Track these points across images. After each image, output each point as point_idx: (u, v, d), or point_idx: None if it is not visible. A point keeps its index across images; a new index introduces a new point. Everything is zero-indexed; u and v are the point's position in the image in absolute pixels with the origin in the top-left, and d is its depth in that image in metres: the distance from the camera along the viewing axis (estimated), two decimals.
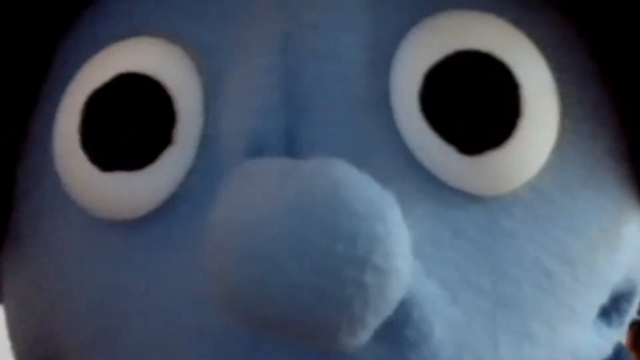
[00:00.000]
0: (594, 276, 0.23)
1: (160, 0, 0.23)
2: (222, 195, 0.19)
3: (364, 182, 0.18)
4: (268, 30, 0.21)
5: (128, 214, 0.22)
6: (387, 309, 0.18)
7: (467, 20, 0.22)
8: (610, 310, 0.25)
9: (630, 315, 0.27)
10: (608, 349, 0.26)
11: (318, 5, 0.21)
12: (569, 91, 0.22)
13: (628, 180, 0.24)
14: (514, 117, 0.20)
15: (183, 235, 0.21)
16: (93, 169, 0.21)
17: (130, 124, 0.21)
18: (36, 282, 0.24)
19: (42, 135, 0.24)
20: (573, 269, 0.22)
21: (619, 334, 0.26)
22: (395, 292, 0.18)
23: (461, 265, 0.20)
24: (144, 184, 0.21)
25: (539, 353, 0.22)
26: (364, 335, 0.18)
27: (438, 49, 0.21)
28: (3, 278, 0.26)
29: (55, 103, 0.23)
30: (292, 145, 0.20)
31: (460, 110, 0.20)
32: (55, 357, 0.24)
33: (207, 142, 0.21)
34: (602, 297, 0.24)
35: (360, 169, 0.18)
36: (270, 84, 0.21)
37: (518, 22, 0.22)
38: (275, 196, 0.17)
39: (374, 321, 0.18)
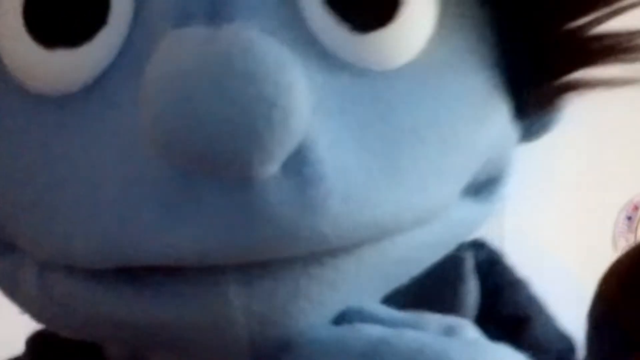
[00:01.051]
0: (461, 142, 0.29)
1: None
2: (153, 58, 0.23)
3: (273, 43, 0.23)
4: None
5: (65, 88, 0.26)
6: (290, 143, 0.22)
7: None
8: (481, 188, 0.33)
9: (497, 197, 0.36)
10: (475, 225, 0.34)
11: None
12: (446, 24, 0.28)
13: (499, 70, 0.31)
14: (397, 3, 0.26)
15: (117, 101, 0.25)
16: (35, 47, 0.25)
17: (69, 4, 0.25)
18: None
19: None
20: (442, 134, 0.28)
21: (486, 214, 0.35)
22: (297, 128, 0.22)
23: (350, 123, 0.26)
24: (81, 60, 0.25)
25: (415, 206, 0.27)
26: (272, 166, 0.23)
27: None
28: None
29: None
30: (214, 18, 0.24)
31: None
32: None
33: (138, 19, 0.25)
34: (469, 167, 0.31)
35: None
36: None
37: None
38: (199, 54, 0.22)
39: (279, 153, 0.22)
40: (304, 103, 0.23)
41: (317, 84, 0.25)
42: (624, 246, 2.17)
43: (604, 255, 2.35)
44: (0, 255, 0.29)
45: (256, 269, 0.24)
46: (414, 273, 0.32)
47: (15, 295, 0.30)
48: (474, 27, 0.30)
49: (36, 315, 0.30)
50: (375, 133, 0.26)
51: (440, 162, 0.28)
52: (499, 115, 0.32)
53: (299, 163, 0.24)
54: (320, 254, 0.25)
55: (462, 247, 0.40)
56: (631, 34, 0.32)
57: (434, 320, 0.29)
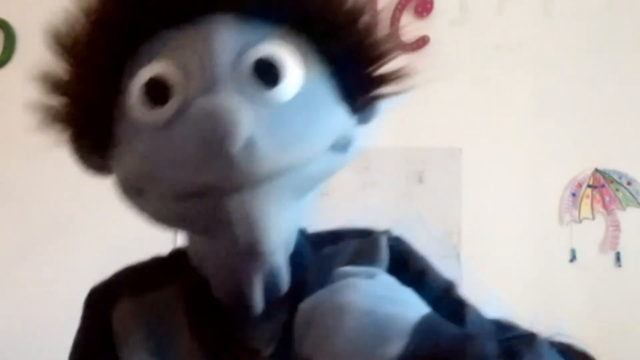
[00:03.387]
0: (323, 127, 0.62)
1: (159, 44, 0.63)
2: (191, 110, 0.57)
3: (235, 102, 0.55)
4: None
5: (158, 122, 0.60)
6: (243, 136, 0.53)
7: (267, 46, 0.62)
8: (341, 148, 0.65)
9: (350, 153, 0.68)
10: (339, 165, 0.67)
11: None
12: (307, 65, 0.62)
13: (339, 91, 0.65)
14: (281, 76, 0.60)
15: (179, 130, 0.58)
16: (146, 108, 0.61)
17: (156, 89, 0.61)
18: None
19: (123, 101, 0.62)
20: (314, 124, 0.61)
21: (344, 160, 0.67)
22: (244, 130, 0.53)
23: (268, 123, 0.57)
24: (164, 111, 0.61)
25: (299, 156, 0.59)
26: (237, 144, 0.54)
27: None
28: (113, 164, 0.65)
29: (127, 86, 0.62)
30: (208, 92, 0.59)
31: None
32: (138, 188, 0.63)
33: (185, 97, 0.60)
34: (329, 138, 0.62)
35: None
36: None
37: (291, 46, 0.63)
38: (205, 111, 0.55)
39: (239, 138, 0.53)
40: (243, 121, 0.53)
41: (256, 112, 0.56)
42: (568, 221, 2.28)
43: (551, 229, 2.47)
44: (133, 195, 0.64)
45: (238, 193, 0.56)
46: (313, 189, 0.65)
47: (146, 214, 0.64)
48: (322, 72, 0.64)
49: (158, 221, 0.64)
50: (283, 128, 0.58)
51: (313, 137, 0.60)
52: (342, 112, 0.65)
53: (250, 145, 0.54)
54: (264, 180, 0.56)
55: (379, 232, 0.78)
56: (399, 71, 0.68)
57: (363, 269, 0.62)
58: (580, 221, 2.27)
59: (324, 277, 0.63)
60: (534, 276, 2.24)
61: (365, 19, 0.65)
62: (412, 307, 0.58)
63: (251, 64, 0.59)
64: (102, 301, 0.73)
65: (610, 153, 2.26)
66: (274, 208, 0.58)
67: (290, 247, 0.68)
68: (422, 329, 0.54)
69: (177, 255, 0.73)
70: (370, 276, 0.60)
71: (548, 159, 2.26)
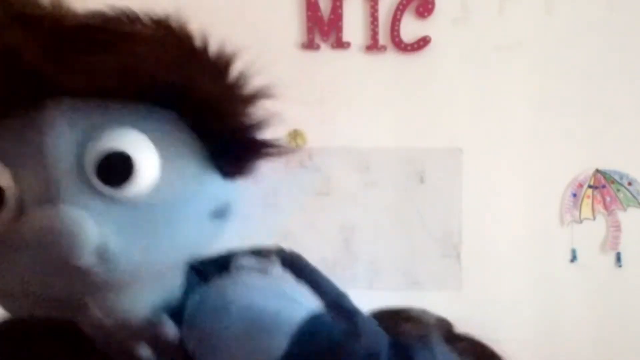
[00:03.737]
0: (193, 200, 0.56)
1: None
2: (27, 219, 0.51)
3: (77, 212, 0.49)
4: None
5: None
6: (87, 242, 0.49)
7: (115, 136, 0.52)
8: (219, 215, 0.59)
9: (228, 219, 0.61)
10: (217, 235, 0.60)
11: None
12: (168, 147, 0.55)
13: (210, 161, 0.59)
14: (131, 174, 0.52)
15: (16, 245, 0.50)
16: None
17: None
18: None
19: None
20: (180, 209, 0.56)
21: (223, 227, 0.60)
22: (88, 244, 0.49)
23: (122, 228, 0.52)
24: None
25: (158, 261, 0.55)
26: (85, 258, 0.49)
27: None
28: None
29: None
30: (52, 201, 0.51)
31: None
32: None
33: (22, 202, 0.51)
34: (207, 207, 0.57)
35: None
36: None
37: (144, 131, 0.53)
38: (44, 223, 0.49)
39: (85, 253, 0.49)
40: (89, 232, 0.49)
41: (107, 214, 0.51)
42: (569, 221, 2.28)
43: (551, 229, 2.47)
44: None
45: (99, 297, 0.53)
46: (196, 259, 0.61)
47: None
48: (185, 145, 0.57)
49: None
50: (142, 225, 0.53)
51: (176, 231, 0.56)
52: (216, 181, 0.60)
53: (102, 251, 0.50)
54: (123, 286, 0.53)
55: (269, 250, 0.68)
56: (268, 142, 0.61)
57: (258, 263, 0.60)
58: (581, 221, 2.27)
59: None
60: (534, 276, 2.24)
61: (228, 81, 0.59)
62: (299, 304, 0.57)
63: (95, 162, 0.51)
64: None
65: (611, 153, 2.26)
66: (148, 299, 0.55)
67: (175, 302, 0.61)
68: (309, 326, 0.54)
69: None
70: (264, 270, 0.60)
71: (549, 159, 2.26)
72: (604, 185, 2.26)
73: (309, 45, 2.22)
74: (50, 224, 0.48)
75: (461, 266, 2.21)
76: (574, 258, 2.26)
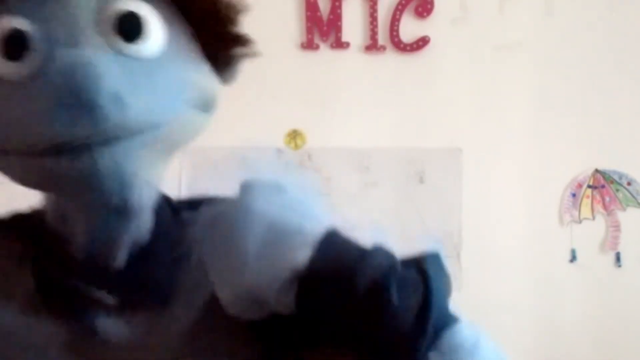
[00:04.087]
0: (185, 81, 0.62)
1: None
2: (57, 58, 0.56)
3: (96, 56, 0.55)
4: None
5: (18, 76, 0.57)
6: (107, 82, 0.54)
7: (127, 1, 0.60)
8: (203, 107, 0.64)
9: (211, 113, 0.66)
10: (200, 124, 0.65)
11: None
12: (167, 22, 0.62)
13: (199, 51, 0.65)
14: (143, 31, 0.59)
15: (42, 84, 0.55)
16: (3, 61, 0.57)
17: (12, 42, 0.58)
18: None
19: None
20: (177, 77, 0.61)
21: (206, 120, 0.65)
22: (107, 85, 0.53)
23: (135, 77, 0.57)
24: (24, 65, 0.57)
25: (157, 114, 0.59)
26: (102, 96, 0.53)
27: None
28: None
29: None
30: (76, 45, 0.57)
31: None
32: None
33: (45, 47, 0.57)
34: (192, 95, 0.62)
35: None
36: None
37: (151, 4, 0.61)
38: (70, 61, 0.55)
39: (105, 99, 0.54)
40: (108, 74, 0.54)
41: (120, 66, 0.56)
42: (568, 221, 2.28)
43: (551, 229, 2.48)
44: None
45: (107, 145, 0.56)
46: (178, 147, 0.64)
47: (10, 176, 0.63)
48: (183, 32, 0.63)
49: (24, 182, 0.62)
50: (148, 82, 0.58)
51: (179, 94, 0.61)
52: (205, 70, 0.65)
53: (116, 97, 0.54)
54: (132, 135, 0.57)
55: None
56: (244, 35, 0.67)
57: (273, 181, 0.62)
58: (580, 221, 2.27)
59: (179, 240, 0.64)
60: (534, 276, 2.24)
61: None
62: (318, 220, 0.59)
63: (113, 18, 0.58)
64: None
65: (611, 153, 2.26)
66: (144, 164, 0.59)
67: (152, 204, 0.66)
68: (328, 240, 0.56)
69: (36, 212, 0.69)
70: (280, 188, 0.61)
71: (548, 159, 2.26)
72: (603, 185, 2.26)
73: (308, 45, 2.22)
74: (77, 61, 0.54)
75: (461, 266, 2.21)
76: (573, 258, 2.26)
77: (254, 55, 0.68)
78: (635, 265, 2.25)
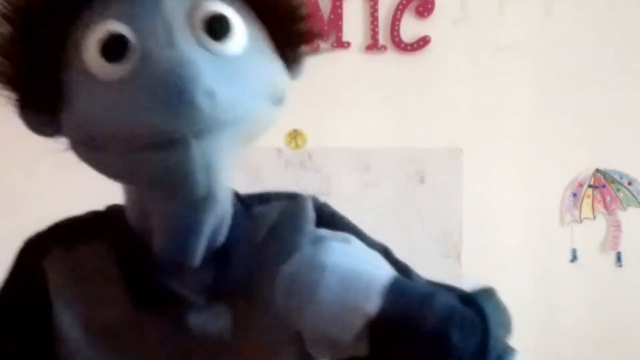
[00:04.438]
0: (265, 78, 0.67)
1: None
2: (153, 59, 0.60)
3: (191, 55, 0.59)
4: None
5: (113, 78, 0.61)
6: (204, 79, 0.57)
7: (213, 4, 0.65)
8: (276, 101, 0.69)
9: (282, 106, 0.71)
10: (273, 116, 0.69)
11: None
12: (246, 23, 0.67)
13: (274, 48, 0.71)
14: (230, 32, 0.64)
15: (141, 83, 0.59)
16: (105, 64, 0.61)
17: (117, 46, 0.62)
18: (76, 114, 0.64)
19: (74, 55, 0.63)
20: (259, 75, 0.66)
21: (278, 112, 0.70)
22: (203, 82, 0.57)
23: (226, 75, 0.61)
24: (123, 66, 0.61)
25: (246, 107, 0.64)
26: (199, 94, 0.57)
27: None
28: (64, 119, 0.65)
29: (79, 41, 0.63)
30: (172, 46, 0.61)
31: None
32: (93, 144, 0.64)
33: (144, 49, 0.61)
34: (269, 89, 0.67)
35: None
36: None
37: (227, 2, 0.66)
38: (169, 60, 0.59)
39: (200, 87, 0.57)
40: (204, 71, 0.57)
41: (212, 63, 0.60)
42: (569, 221, 2.28)
43: (551, 229, 2.47)
44: (88, 151, 0.65)
45: (201, 137, 0.59)
46: (254, 139, 0.68)
47: (104, 171, 0.66)
48: (259, 32, 0.68)
49: (117, 177, 0.67)
50: (236, 79, 0.62)
51: (261, 89, 0.66)
52: (279, 67, 0.70)
53: (210, 93, 0.58)
54: (222, 128, 0.61)
55: (305, 195, 0.81)
56: (312, 31, 0.73)
57: (338, 233, 0.67)
58: (581, 221, 2.27)
59: (254, 235, 0.74)
60: (534, 276, 2.24)
61: None
62: (383, 269, 0.64)
63: (203, 19, 0.63)
64: (33, 252, 0.75)
65: (611, 153, 2.26)
66: (227, 155, 0.63)
67: (228, 206, 0.72)
68: (394, 288, 0.61)
69: (114, 210, 0.75)
70: (345, 240, 0.66)
71: (549, 159, 2.26)
72: (604, 185, 2.26)
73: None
74: (176, 59, 0.58)
75: (461, 266, 2.21)
76: (574, 258, 2.26)
77: (320, 52, 0.74)
78: (635, 265, 2.25)
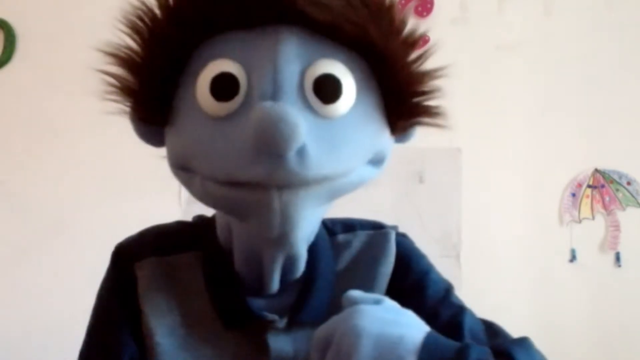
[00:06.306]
0: (367, 144, 0.69)
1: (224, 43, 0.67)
2: (256, 109, 0.60)
3: (294, 110, 0.59)
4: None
5: (221, 115, 0.64)
6: (298, 143, 0.59)
7: (328, 64, 0.66)
8: (376, 162, 0.70)
9: (382, 167, 0.72)
10: (371, 177, 0.71)
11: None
12: (359, 86, 0.67)
13: (384, 115, 0.70)
14: (339, 94, 0.65)
15: (240, 126, 0.62)
16: (212, 100, 0.65)
17: (226, 87, 0.65)
18: (179, 139, 0.68)
19: (188, 81, 0.67)
20: (359, 140, 0.67)
21: (377, 173, 0.71)
22: (300, 138, 0.59)
23: (324, 136, 0.64)
24: (228, 105, 0.64)
25: (342, 168, 0.65)
26: (293, 151, 0.60)
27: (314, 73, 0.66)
28: (168, 138, 0.71)
29: (195, 71, 0.67)
30: (275, 99, 0.62)
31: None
32: (186, 166, 0.67)
33: (249, 94, 0.64)
34: (370, 154, 0.69)
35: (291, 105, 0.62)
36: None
37: (345, 63, 0.67)
38: (271, 113, 0.59)
39: (295, 145, 0.59)
40: (302, 131, 0.58)
41: (311, 123, 0.62)
42: (568, 221, 2.28)
43: (550, 229, 2.47)
44: (181, 170, 0.69)
45: (283, 190, 0.61)
46: (345, 194, 0.70)
47: (191, 190, 0.70)
48: (371, 93, 0.69)
49: (201, 199, 0.69)
50: (332, 140, 0.64)
51: (357, 153, 0.67)
52: (384, 133, 0.71)
53: (302, 151, 0.60)
54: (307, 184, 0.62)
55: (389, 226, 0.85)
56: (435, 107, 0.76)
57: (369, 295, 0.68)
58: (580, 221, 2.27)
59: (337, 264, 0.78)
60: (534, 276, 2.24)
61: (417, 51, 0.73)
62: (415, 327, 0.65)
63: (313, 79, 0.64)
64: (126, 258, 0.78)
65: (610, 153, 2.26)
66: (309, 208, 0.64)
67: (312, 238, 0.75)
68: (428, 346, 0.62)
69: (202, 223, 0.81)
70: (377, 302, 0.67)
71: (548, 159, 2.26)
72: (603, 185, 2.26)
73: None
74: (275, 114, 0.58)
75: (461, 266, 2.21)
76: (573, 258, 2.26)
77: (440, 126, 0.76)
78: (635, 265, 2.25)
